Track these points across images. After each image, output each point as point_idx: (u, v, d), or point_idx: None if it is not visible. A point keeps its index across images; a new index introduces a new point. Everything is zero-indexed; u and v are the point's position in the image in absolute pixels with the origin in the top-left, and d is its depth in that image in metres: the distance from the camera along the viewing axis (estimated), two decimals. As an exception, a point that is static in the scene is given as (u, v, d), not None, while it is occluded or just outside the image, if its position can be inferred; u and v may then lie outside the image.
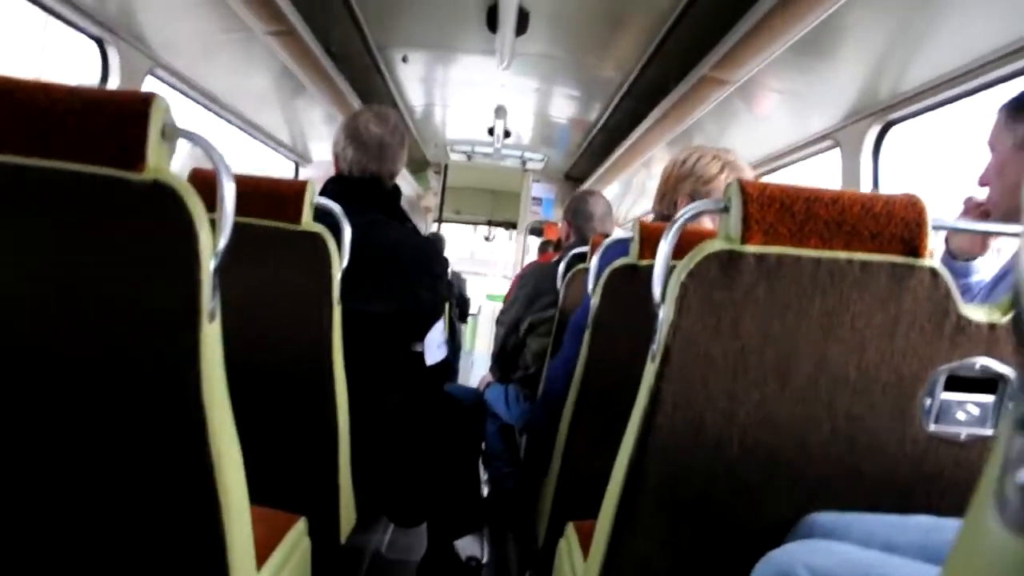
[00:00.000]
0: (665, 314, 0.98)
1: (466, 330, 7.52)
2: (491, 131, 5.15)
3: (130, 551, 1.03)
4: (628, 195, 6.08)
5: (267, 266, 1.57)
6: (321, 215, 1.65)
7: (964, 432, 1.00)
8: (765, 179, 3.55)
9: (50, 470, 0.99)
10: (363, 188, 1.98)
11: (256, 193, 1.53)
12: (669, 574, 1.08)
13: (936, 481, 1.02)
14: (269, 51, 2.88)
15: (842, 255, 0.96)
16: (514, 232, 7.38)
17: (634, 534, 1.07)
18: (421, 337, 2.00)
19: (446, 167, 6.83)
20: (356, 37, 3.40)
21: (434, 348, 2.03)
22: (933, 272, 0.96)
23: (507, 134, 5.21)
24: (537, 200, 6.92)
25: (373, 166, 2.01)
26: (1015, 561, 0.28)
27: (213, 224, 0.93)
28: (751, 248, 0.95)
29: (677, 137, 3.60)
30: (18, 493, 1.00)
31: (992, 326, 0.97)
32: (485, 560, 2.75)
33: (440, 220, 7.07)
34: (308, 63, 3.06)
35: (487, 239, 8.55)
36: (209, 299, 0.92)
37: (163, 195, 0.89)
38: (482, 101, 4.59)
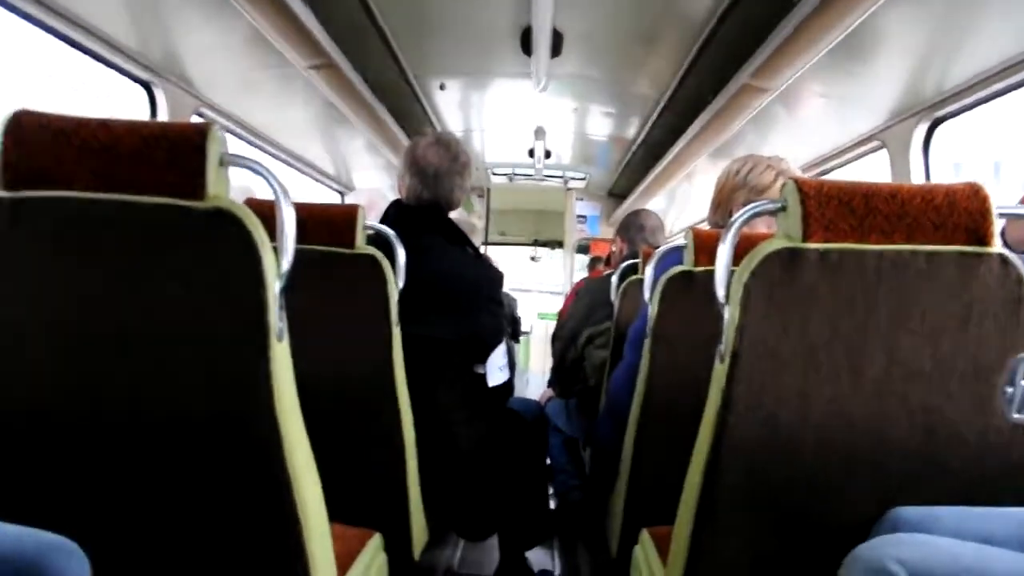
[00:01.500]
0: (730, 315, 0.98)
1: (519, 349, 7.54)
2: (531, 152, 5.16)
3: (216, 572, 1.05)
4: (672, 208, 6.03)
5: (325, 290, 1.60)
6: (377, 239, 1.68)
7: None
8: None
9: (132, 493, 1.02)
10: (420, 214, 2.01)
11: (309, 220, 1.57)
12: (753, 574, 1.07)
13: None
14: (310, 85, 2.93)
15: (906, 248, 0.95)
16: (560, 251, 7.37)
17: (715, 536, 1.06)
18: (483, 360, 2.01)
19: (489, 190, 6.87)
20: (393, 68, 3.45)
21: (495, 371, 2.04)
22: (1003, 259, 0.95)
23: (547, 154, 5.21)
24: (582, 218, 6.91)
25: (428, 193, 2.04)
26: None
27: (273, 250, 0.96)
28: (813, 245, 0.95)
29: (719, 148, 3.57)
30: (101, 515, 1.03)
31: None
32: (558, 572, 2.77)
33: (486, 243, 7.09)
34: (348, 95, 3.12)
35: (533, 259, 8.54)
36: (277, 320, 0.94)
37: (225, 221, 0.92)
38: (520, 123, 4.61)
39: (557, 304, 6.81)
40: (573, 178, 6.24)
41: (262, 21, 2.23)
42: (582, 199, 6.80)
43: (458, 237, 2.03)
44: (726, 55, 2.78)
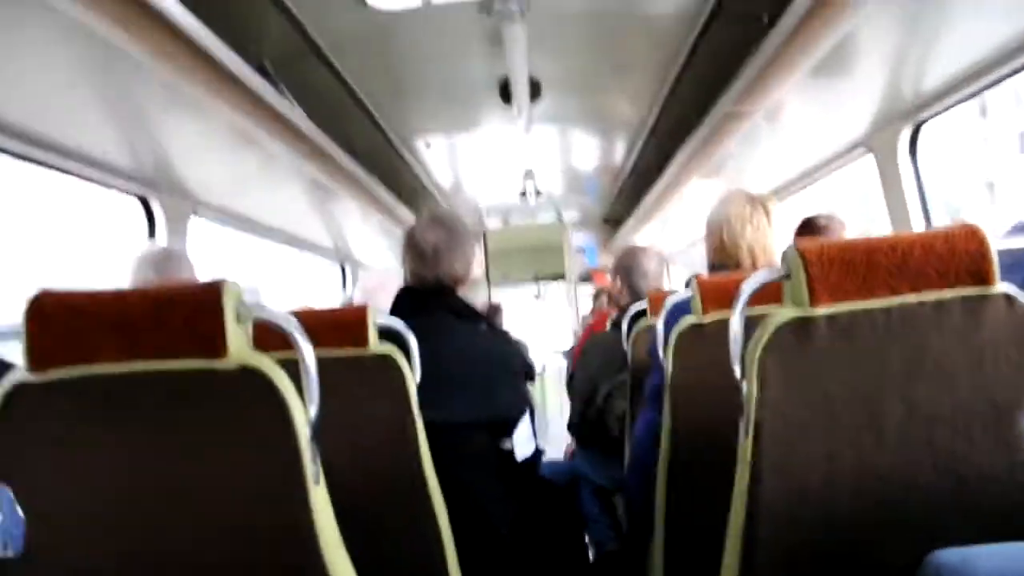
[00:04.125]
0: (748, 391, 0.97)
1: (535, 390, 7.50)
2: (523, 194, 5.19)
3: None
4: (666, 229, 6.05)
5: (343, 395, 1.57)
6: (389, 330, 1.67)
7: None
8: (800, 195, 3.54)
9: None
10: (426, 296, 1.98)
11: (319, 325, 1.55)
12: None
13: None
14: (298, 171, 2.95)
15: (911, 300, 0.95)
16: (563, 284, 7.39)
17: None
18: (509, 435, 1.98)
19: (484, 235, 6.89)
20: (377, 135, 3.48)
21: (524, 442, 1.99)
22: (1008, 298, 0.94)
23: (538, 193, 5.25)
24: (580, 249, 6.92)
25: (429, 273, 1.98)
26: None
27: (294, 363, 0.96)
28: (821, 311, 0.95)
29: (708, 169, 3.58)
30: None
31: None
32: None
33: (489, 287, 7.10)
34: (336, 171, 3.13)
35: (536, 297, 8.54)
36: (311, 465, 0.93)
37: (250, 378, 0.91)
38: (509, 167, 4.64)
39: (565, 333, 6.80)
40: (567, 212, 6.27)
41: (244, 120, 2.24)
42: (578, 230, 6.83)
43: (468, 313, 1.99)
44: (704, 81, 2.80)
